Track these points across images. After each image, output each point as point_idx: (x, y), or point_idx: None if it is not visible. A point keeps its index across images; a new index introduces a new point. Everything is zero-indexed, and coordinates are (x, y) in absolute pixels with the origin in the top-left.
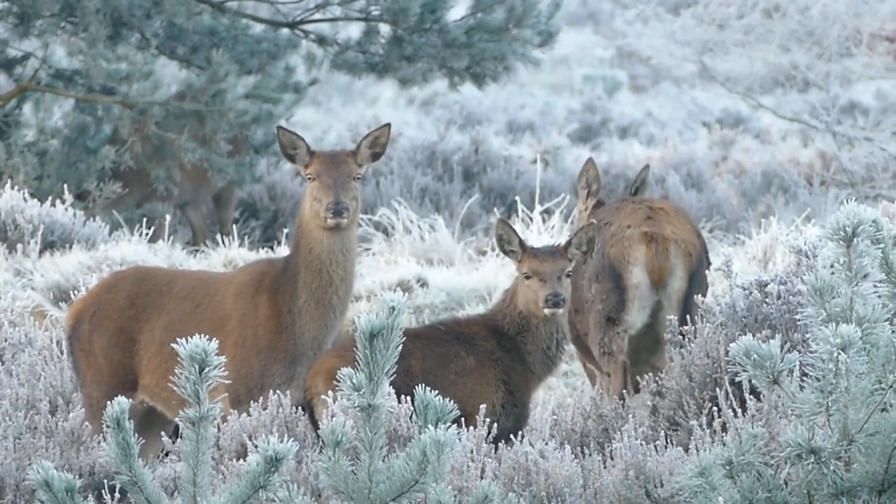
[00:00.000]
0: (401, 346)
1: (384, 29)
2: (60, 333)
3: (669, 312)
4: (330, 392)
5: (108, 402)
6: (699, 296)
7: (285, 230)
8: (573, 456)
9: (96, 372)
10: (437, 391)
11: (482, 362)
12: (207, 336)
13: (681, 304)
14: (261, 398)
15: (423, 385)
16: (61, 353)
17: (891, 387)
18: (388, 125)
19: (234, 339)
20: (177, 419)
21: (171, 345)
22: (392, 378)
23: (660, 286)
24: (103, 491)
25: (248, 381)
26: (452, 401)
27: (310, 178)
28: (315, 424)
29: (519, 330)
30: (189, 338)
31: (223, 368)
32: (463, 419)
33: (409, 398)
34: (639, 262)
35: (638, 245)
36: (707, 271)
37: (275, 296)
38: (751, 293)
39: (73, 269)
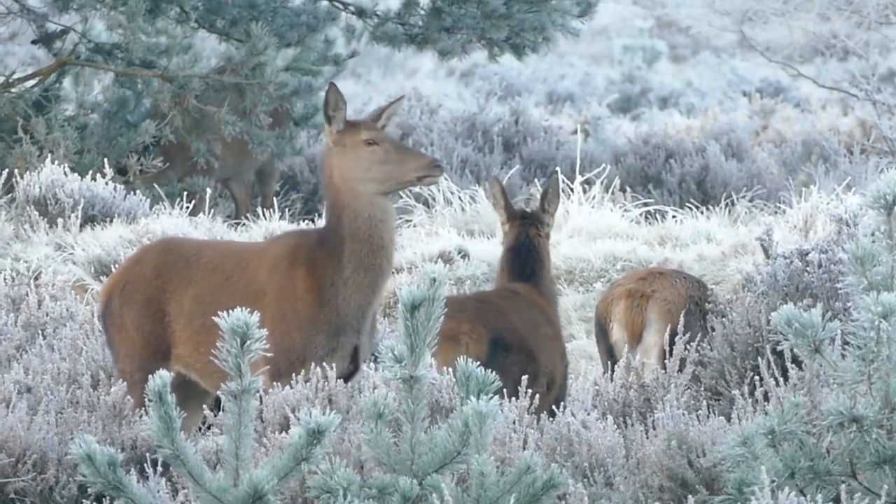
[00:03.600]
0: (496, 304)
1: (423, 0)
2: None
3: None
4: (440, 354)
5: (144, 375)
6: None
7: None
8: (615, 426)
9: (129, 346)
10: (535, 352)
11: (556, 333)
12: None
13: (659, 359)
14: (303, 371)
15: (526, 341)
16: None
17: None
18: (402, 97)
19: (272, 313)
20: (217, 392)
21: (203, 317)
22: (500, 334)
23: (634, 342)
24: (146, 464)
25: (290, 354)
26: (545, 365)
27: (369, 144)
28: None
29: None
30: (223, 311)
31: (264, 342)
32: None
33: (523, 352)
34: (617, 317)
35: (618, 301)
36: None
37: (314, 269)
38: (792, 262)
39: (113, 242)
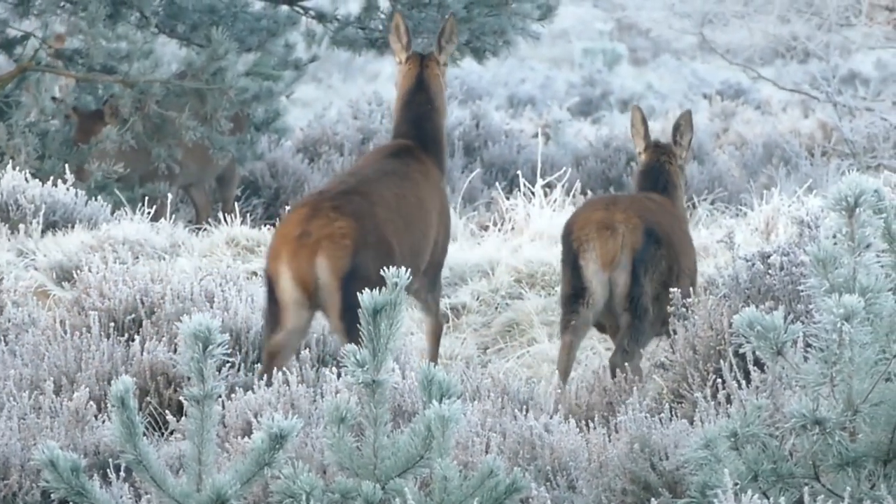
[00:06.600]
0: (644, 202)
1: (384, 4)
2: (63, 313)
3: None
4: (598, 242)
5: None
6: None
7: (287, 207)
8: (578, 429)
9: None
10: (678, 252)
11: (691, 242)
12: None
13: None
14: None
15: (672, 239)
16: (65, 332)
17: (895, 356)
18: (452, 15)
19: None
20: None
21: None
22: (654, 227)
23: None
24: (108, 470)
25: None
26: (686, 266)
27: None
28: (578, 274)
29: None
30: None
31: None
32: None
33: (672, 248)
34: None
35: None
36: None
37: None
38: (753, 265)
39: (75, 248)
